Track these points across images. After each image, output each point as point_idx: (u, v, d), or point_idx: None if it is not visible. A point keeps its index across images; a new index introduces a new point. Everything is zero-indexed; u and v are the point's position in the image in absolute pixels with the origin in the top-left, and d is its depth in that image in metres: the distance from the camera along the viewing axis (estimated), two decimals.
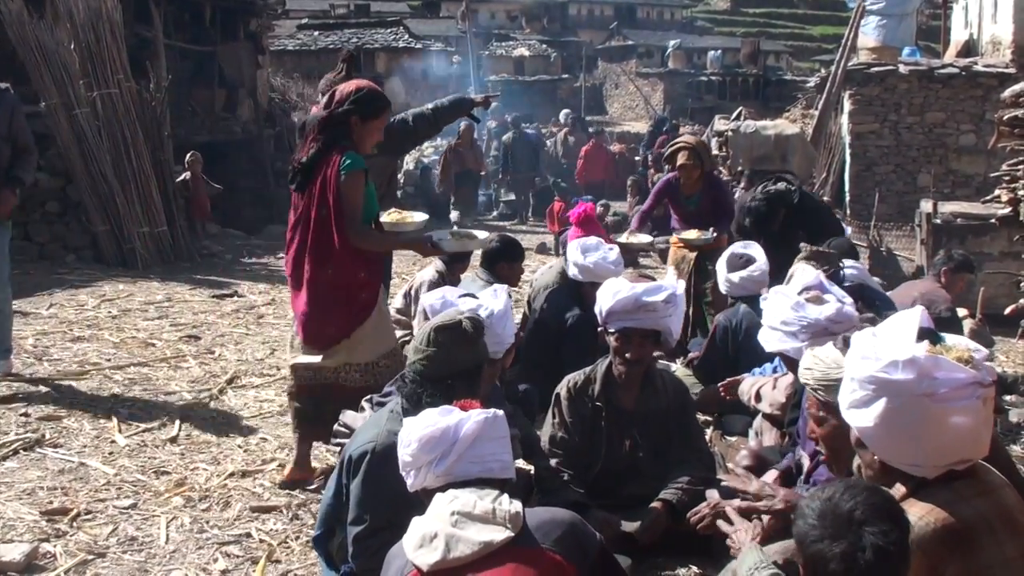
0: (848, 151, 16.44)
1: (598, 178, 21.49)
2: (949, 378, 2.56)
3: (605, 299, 4.69)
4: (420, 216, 6.02)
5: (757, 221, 7.50)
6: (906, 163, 16.24)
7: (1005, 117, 4.45)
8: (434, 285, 6.52)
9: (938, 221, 11.25)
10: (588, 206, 8.67)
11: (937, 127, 16.04)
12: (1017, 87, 4.39)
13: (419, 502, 3.01)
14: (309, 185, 5.18)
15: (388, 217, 5.83)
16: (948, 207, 11.81)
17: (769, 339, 4.45)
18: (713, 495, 4.39)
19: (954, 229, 11.18)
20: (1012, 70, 15.27)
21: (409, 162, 21.12)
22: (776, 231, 7.49)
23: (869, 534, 2.25)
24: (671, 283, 4.77)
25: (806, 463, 4.34)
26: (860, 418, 2.63)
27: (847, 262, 6.20)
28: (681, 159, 8.36)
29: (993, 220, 10.67)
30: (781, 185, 7.82)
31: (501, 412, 3.06)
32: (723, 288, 6.59)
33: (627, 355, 4.64)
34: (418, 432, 2.97)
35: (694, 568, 4.48)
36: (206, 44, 18.66)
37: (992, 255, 10.94)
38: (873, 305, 5.46)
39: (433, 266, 7.29)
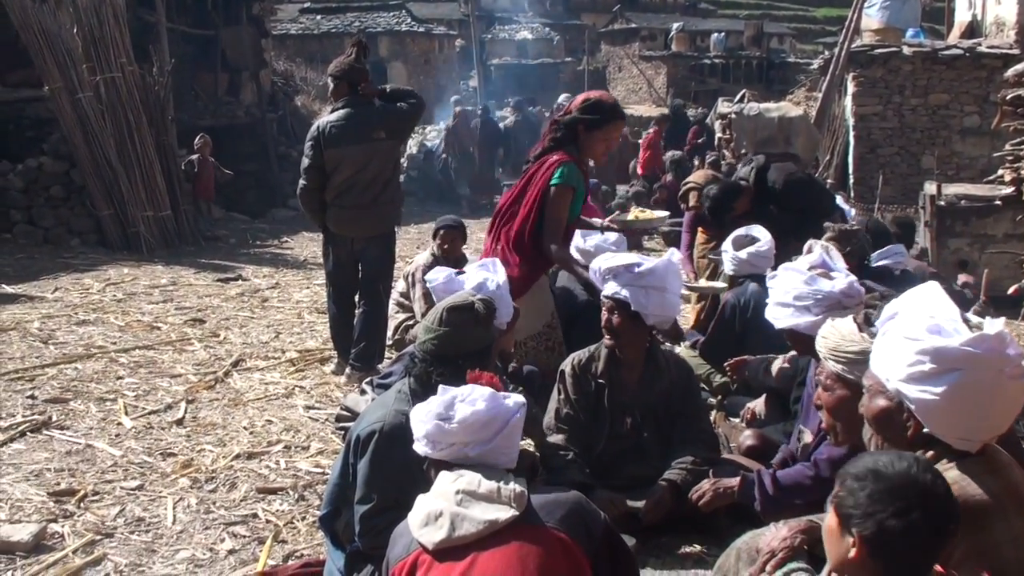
0: (852, 133, 16.41)
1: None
2: (1015, 355, 2.61)
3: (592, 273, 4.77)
4: (661, 213, 6.45)
5: (712, 209, 7.67)
6: (910, 145, 16.20)
7: (1008, 97, 4.43)
8: (428, 268, 6.53)
9: (942, 203, 11.24)
10: None
11: (941, 109, 16.00)
12: (1020, 67, 4.38)
13: (427, 481, 3.02)
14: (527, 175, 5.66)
15: (633, 215, 6.26)
16: (952, 189, 11.80)
17: (779, 315, 4.43)
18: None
19: (958, 211, 11.17)
20: (1016, 51, 15.20)
21: (412, 146, 21.08)
22: (740, 217, 7.57)
23: (925, 489, 2.26)
24: (644, 257, 4.74)
25: (807, 438, 4.36)
26: (921, 392, 2.62)
27: (889, 250, 6.12)
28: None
29: (997, 201, 10.68)
30: (745, 169, 7.93)
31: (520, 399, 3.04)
32: (730, 268, 6.57)
33: (602, 321, 4.69)
34: (420, 424, 2.98)
35: (698, 547, 4.49)
36: (209, 28, 18.64)
37: (996, 237, 10.95)
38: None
39: (428, 249, 7.34)
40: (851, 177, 16.33)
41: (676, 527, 4.58)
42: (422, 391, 3.56)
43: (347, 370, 7.32)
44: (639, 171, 19.17)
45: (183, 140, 15.41)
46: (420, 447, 3.02)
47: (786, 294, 4.40)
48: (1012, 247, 10.64)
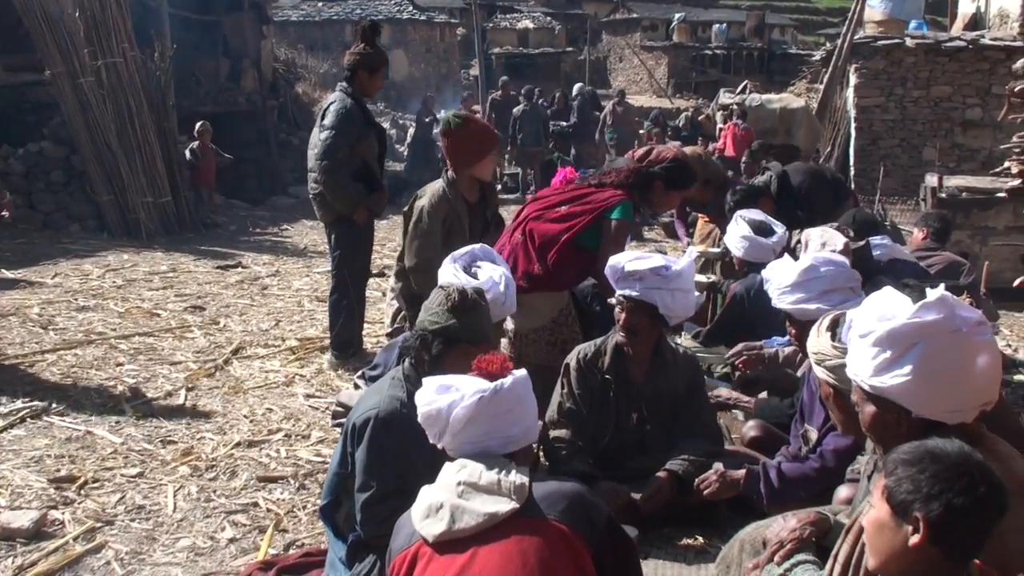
0: (853, 125, 16.35)
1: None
2: (968, 314, 2.66)
3: (607, 265, 4.69)
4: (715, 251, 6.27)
5: (735, 209, 7.60)
6: (911, 137, 16.15)
7: (1016, 89, 4.41)
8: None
9: (943, 195, 11.22)
10: (568, 170, 8.63)
11: (943, 101, 15.94)
12: None
13: (426, 466, 3.00)
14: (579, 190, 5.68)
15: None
16: (953, 181, 11.78)
17: (781, 298, 4.49)
18: (720, 466, 4.42)
19: (959, 203, 11.15)
20: (1019, 43, 15.13)
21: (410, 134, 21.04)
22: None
23: (982, 465, 2.26)
24: (671, 258, 4.71)
25: (813, 436, 4.36)
26: (893, 378, 2.64)
27: (874, 239, 6.15)
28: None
29: (1002, 193, 10.66)
30: (764, 176, 7.93)
31: (503, 385, 2.95)
32: (739, 251, 6.52)
33: (620, 322, 4.64)
34: (420, 409, 2.97)
35: (700, 539, 4.49)
36: (210, 14, 18.59)
37: (997, 229, 10.93)
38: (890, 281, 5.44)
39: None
40: (852, 169, 16.29)
41: (678, 519, 4.58)
42: (417, 375, 3.55)
43: (329, 355, 7.47)
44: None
45: (183, 126, 15.38)
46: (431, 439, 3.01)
47: (786, 278, 4.43)
48: (1013, 239, 10.63)
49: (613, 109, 21.56)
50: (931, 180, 11.67)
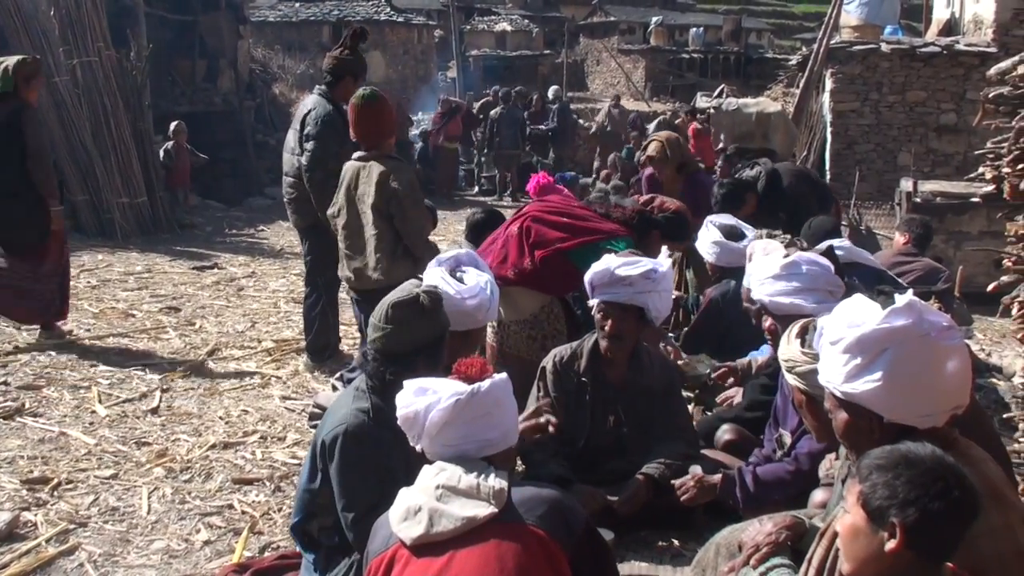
0: (829, 129, 16.45)
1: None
2: (936, 319, 2.69)
3: (589, 272, 4.69)
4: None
5: (723, 206, 7.59)
6: (887, 142, 16.27)
7: (991, 95, 4.45)
8: None
9: (918, 200, 11.29)
10: (542, 175, 8.65)
11: (918, 106, 16.07)
12: (1003, 64, 4.39)
13: (403, 469, 2.99)
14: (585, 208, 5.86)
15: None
16: (928, 186, 11.85)
17: (759, 290, 4.51)
18: (696, 470, 4.43)
19: (934, 208, 11.22)
20: (993, 49, 15.28)
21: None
22: (751, 215, 7.61)
23: (955, 468, 2.29)
24: (657, 260, 4.73)
25: (788, 440, 4.38)
26: (864, 384, 2.66)
27: (833, 242, 6.19)
28: (654, 151, 8.52)
29: (976, 198, 10.74)
30: (754, 171, 7.91)
31: (480, 388, 2.95)
32: (711, 257, 6.52)
33: (606, 328, 4.63)
34: (399, 411, 2.97)
35: (676, 541, 4.49)
36: (187, 13, 18.47)
37: (971, 234, 11.01)
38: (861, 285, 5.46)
39: None
40: (828, 173, 16.36)
41: (654, 522, 4.59)
42: (378, 388, 3.54)
43: (305, 357, 7.46)
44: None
45: (159, 126, 15.30)
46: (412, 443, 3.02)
47: (768, 269, 4.45)
48: (987, 244, 10.69)
49: (609, 112, 21.73)
50: (906, 185, 11.74)
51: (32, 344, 7.71)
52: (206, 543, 4.54)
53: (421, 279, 4.27)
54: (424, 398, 2.93)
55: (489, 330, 5.56)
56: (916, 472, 2.27)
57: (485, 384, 2.96)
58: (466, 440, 2.92)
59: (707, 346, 6.15)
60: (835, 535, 2.51)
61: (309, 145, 6.81)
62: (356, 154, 6.21)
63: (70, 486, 5.10)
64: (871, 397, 2.68)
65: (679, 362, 5.99)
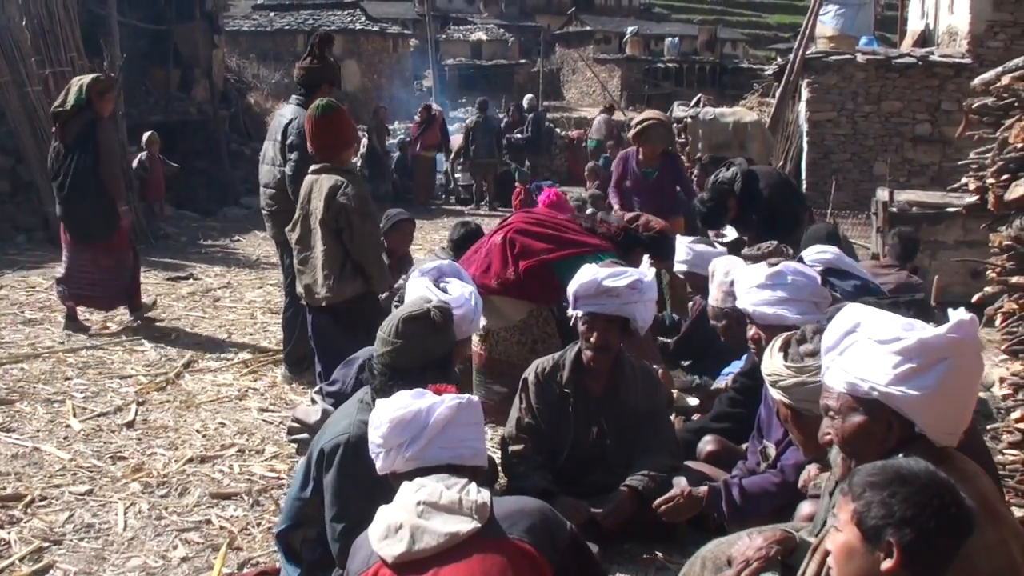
0: (805, 139, 16.53)
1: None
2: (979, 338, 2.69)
3: (572, 283, 4.67)
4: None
5: (707, 219, 7.61)
6: (862, 152, 16.35)
7: (975, 105, 4.45)
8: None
9: (894, 209, 11.32)
10: (553, 190, 8.70)
11: (893, 116, 16.16)
12: (987, 75, 4.39)
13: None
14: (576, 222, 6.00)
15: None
16: (904, 195, 11.89)
17: (746, 299, 4.48)
18: (681, 482, 4.39)
19: (910, 217, 11.24)
20: (968, 60, 15.41)
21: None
22: (736, 219, 7.61)
23: (950, 485, 2.27)
24: (641, 270, 4.72)
25: (772, 452, 4.35)
26: (912, 389, 2.60)
27: (816, 248, 6.19)
28: (652, 133, 8.93)
29: (960, 208, 10.79)
30: (729, 172, 7.92)
31: (476, 398, 3.01)
32: (681, 264, 6.52)
33: (591, 340, 4.60)
34: (390, 414, 2.92)
35: (660, 554, 4.46)
36: (161, 23, 18.35)
37: (947, 243, 11.04)
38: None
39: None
40: (804, 182, 16.43)
41: (638, 534, 4.55)
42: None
43: (283, 369, 7.39)
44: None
45: (133, 136, 15.18)
46: (378, 466, 2.99)
47: (753, 278, 4.43)
48: (963, 254, 10.73)
49: (607, 122, 21.94)
50: (882, 194, 11.77)
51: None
52: (184, 560, 4.46)
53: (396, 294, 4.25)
54: (425, 399, 2.92)
55: (475, 338, 5.54)
56: (912, 490, 2.23)
57: (474, 397, 3.02)
58: (464, 444, 2.92)
59: (694, 351, 6.20)
60: (827, 553, 2.47)
61: (293, 156, 6.74)
62: (312, 167, 6.08)
63: (44, 503, 5.01)
64: (914, 404, 2.61)
65: (672, 391, 6.03)
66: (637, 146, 9.22)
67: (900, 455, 2.54)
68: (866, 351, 2.70)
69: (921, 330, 2.63)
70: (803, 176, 16.52)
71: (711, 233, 7.54)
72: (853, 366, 2.71)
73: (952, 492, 2.25)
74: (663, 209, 8.40)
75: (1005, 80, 4.13)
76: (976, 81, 4.62)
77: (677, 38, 46.03)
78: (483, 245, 5.62)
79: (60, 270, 8.66)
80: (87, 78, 8.52)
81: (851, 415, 2.73)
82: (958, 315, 2.66)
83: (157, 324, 8.93)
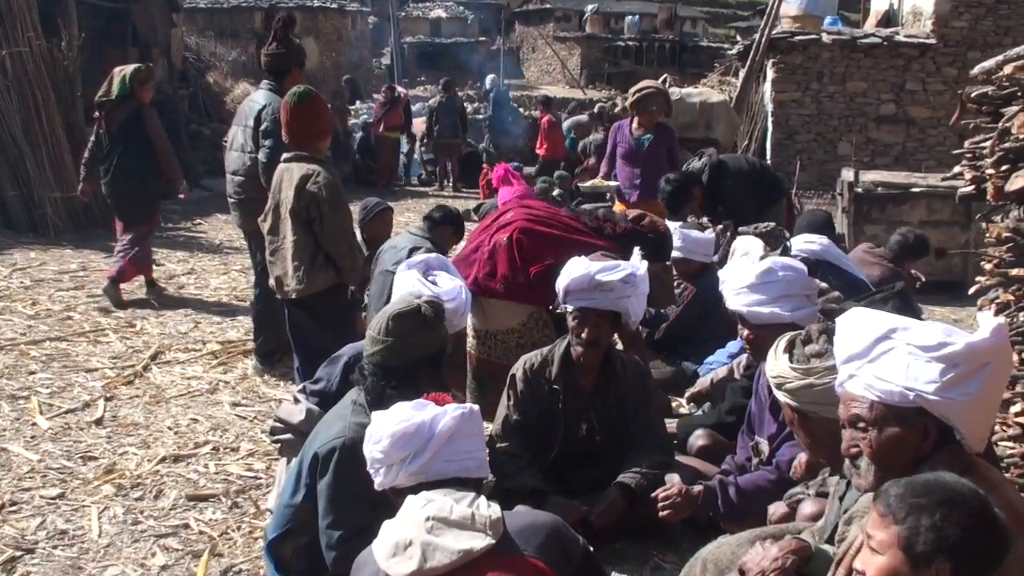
0: (770, 119, 16.50)
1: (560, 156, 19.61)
2: None
3: (562, 277, 4.57)
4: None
5: (671, 203, 7.67)
6: (827, 132, 16.35)
7: (973, 94, 4.39)
8: None
9: (859, 190, 11.35)
10: (504, 165, 8.62)
11: (858, 96, 16.15)
12: (987, 63, 4.34)
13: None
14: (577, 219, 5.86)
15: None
16: (869, 176, 11.92)
17: (734, 300, 4.42)
18: (674, 478, 4.32)
19: (875, 198, 11.31)
20: (933, 41, 15.45)
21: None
22: (701, 206, 7.73)
23: (990, 505, 2.23)
24: (633, 263, 4.63)
25: (765, 448, 4.29)
26: (959, 395, 2.52)
27: (804, 237, 6.16)
28: (650, 100, 9.13)
29: (918, 188, 10.88)
30: (700, 162, 7.99)
31: (476, 407, 2.90)
32: (677, 252, 6.53)
33: (582, 335, 4.52)
34: (390, 427, 2.80)
35: (653, 552, 4.39)
36: (119, 1, 17.95)
37: (911, 223, 11.06)
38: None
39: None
40: (769, 163, 16.42)
41: (630, 532, 4.48)
42: (376, 404, 3.36)
43: (254, 360, 7.27)
44: (541, 154, 19.41)
45: (91, 118, 14.84)
46: (377, 482, 2.88)
47: (743, 279, 4.35)
48: (927, 234, 10.77)
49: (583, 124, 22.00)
50: (847, 174, 11.78)
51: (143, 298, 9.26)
52: (163, 568, 4.30)
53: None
54: (427, 410, 2.82)
55: (471, 340, 5.45)
56: (963, 514, 2.17)
57: (475, 407, 2.91)
58: (470, 455, 2.82)
59: (683, 338, 6.22)
60: (853, 570, 2.39)
61: (268, 143, 6.57)
62: (284, 155, 5.92)
63: (14, 508, 4.82)
64: (959, 411, 2.53)
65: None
66: (634, 114, 9.34)
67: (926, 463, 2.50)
68: (907, 358, 2.58)
69: (966, 336, 2.56)
70: (767, 156, 16.51)
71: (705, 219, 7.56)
72: (891, 374, 2.59)
73: (992, 510, 2.20)
74: (654, 174, 8.56)
75: (1008, 69, 4.07)
76: (976, 69, 4.56)
77: (637, 16, 45.89)
78: (484, 244, 5.47)
79: (121, 252, 9.13)
80: (128, 68, 9.21)
81: (888, 427, 2.61)
82: (990, 319, 2.62)
83: (119, 314, 8.71)
